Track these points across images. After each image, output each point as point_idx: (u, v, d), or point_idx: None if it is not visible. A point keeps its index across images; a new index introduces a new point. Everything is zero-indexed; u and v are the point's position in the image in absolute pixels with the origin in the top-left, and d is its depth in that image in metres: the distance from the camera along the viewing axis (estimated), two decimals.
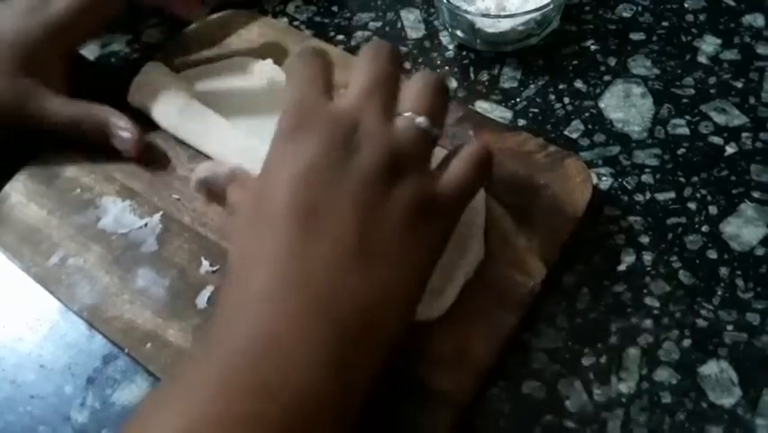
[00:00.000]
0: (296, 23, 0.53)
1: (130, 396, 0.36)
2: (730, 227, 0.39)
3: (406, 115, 0.31)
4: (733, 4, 0.50)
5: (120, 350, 0.36)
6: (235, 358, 0.26)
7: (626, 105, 0.45)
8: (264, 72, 0.46)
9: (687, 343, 0.35)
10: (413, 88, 0.32)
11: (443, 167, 0.32)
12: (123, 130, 0.42)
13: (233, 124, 0.43)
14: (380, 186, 0.29)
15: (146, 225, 0.40)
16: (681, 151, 0.42)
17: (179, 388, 0.27)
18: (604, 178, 0.41)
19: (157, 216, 0.41)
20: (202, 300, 0.37)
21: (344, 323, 0.27)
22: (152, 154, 0.43)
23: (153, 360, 0.35)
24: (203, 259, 0.39)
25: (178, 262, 0.39)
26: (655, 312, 0.36)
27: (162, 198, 0.41)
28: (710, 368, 0.34)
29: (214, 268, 0.38)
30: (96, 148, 0.43)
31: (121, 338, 0.36)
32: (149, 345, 0.36)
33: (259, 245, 0.29)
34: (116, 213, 0.41)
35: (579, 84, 0.46)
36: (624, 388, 0.34)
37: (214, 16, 0.51)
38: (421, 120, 0.31)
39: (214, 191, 0.35)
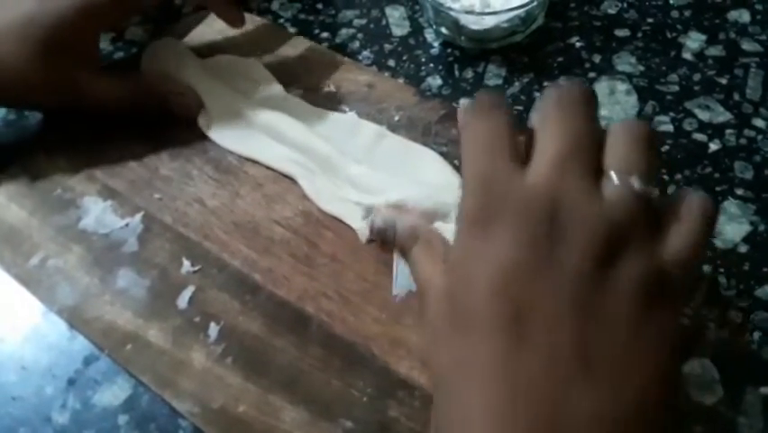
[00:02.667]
0: (280, 20, 0.52)
1: (111, 397, 0.35)
2: None
3: (616, 177, 0.25)
4: (718, 0, 0.50)
5: (101, 351, 0.36)
6: None
7: (610, 103, 0.45)
8: (248, 72, 0.46)
9: None
10: (618, 143, 0.26)
11: (664, 230, 0.26)
12: (183, 95, 0.44)
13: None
14: (597, 277, 0.24)
15: (127, 225, 0.40)
16: (665, 148, 0.42)
17: None
18: None
19: (138, 216, 0.40)
20: (183, 301, 0.37)
21: None
22: (133, 152, 0.43)
23: (134, 361, 0.35)
24: (184, 259, 0.38)
25: (159, 263, 0.38)
26: None
27: (144, 198, 0.41)
28: (693, 366, 0.34)
29: (196, 268, 0.38)
30: (77, 146, 0.42)
31: (101, 339, 0.36)
32: (129, 346, 0.36)
33: (468, 354, 0.25)
34: (97, 213, 0.41)
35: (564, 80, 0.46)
36: None
37: (200, 14, 0.51)
38: (634, 181, 0.25)
39: (383, 238, 0.32)
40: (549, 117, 0.27)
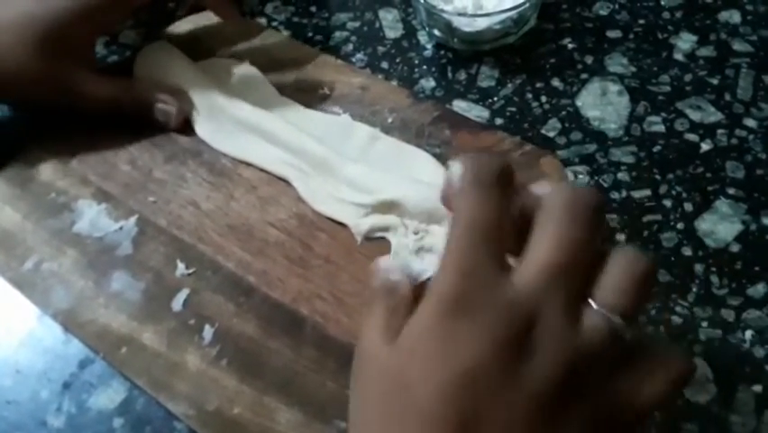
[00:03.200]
0: (274, 23, 0.53)
1: (106, 401, 0.35)
2: (705, 224, 0.39)
3: (599, 311, 0.24)
4: (709, 0, 0.50)
5: (96, 354, 0.36)
6: None
7: (602, 104, 0.45)
8: (241, 74, 0.46)
9: (662, 340, 0.35)
10: (615, 273, 0.25)
11: (628, 372, 0.24)
12: (167, 103, 0.44)
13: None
14: (555, 406, 0.23)
15: (121, 228, 0.40)
16: (656, 148, 0.42)
17: None
18: (580, 176, 0.41)
19: (132, 219, 0.40)
20: (177, 303, 0.37)
21: None
22: (127, 155, 0.43)
23: (129, 364, 0.35)
24: (178, 262, 0.38)
25: (154, 266, 0.38)
26: None
27: (138, 201, 0.41)
28: None
29: (190, 271, 0.38)
30: (72, 150, 0.43)
31: (96, 342, 0.36)
32: (124, 349, 0.36)
33: None
34: (92, 216, 0.41)
35: (556, 82, 0.46)
36: None
37: (193, 17, 0.51)
38: (616, 321, 0.24)
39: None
40: (554, 217, 0.25)
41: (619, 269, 0.25)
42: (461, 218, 0.25)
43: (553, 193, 0.25)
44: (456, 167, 0.26)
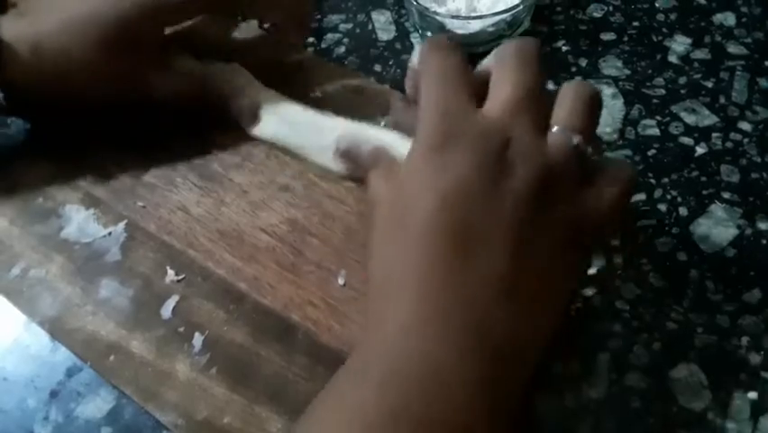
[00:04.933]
0: (265, 25, 0.52)
1: (94, 410, 0.35)
2: (700, 228, 0.38)
3: (560, 131, 0.29)
4: (704, 2, 0.50)
5: (84, 362, 0.36)
6: (394, 378, 0.26)
7: None
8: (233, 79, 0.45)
9: (657, 346, 0.35)
10: (566, 100, 0.30)
11: (590, 187, 0.30)
12: (242, 97, 0.42)
13: None
14: (535, 210, 0.28)
15: (110, 233, 0.40)
16: (651, 152, 0.42)
17: (338, 408, 0.27)
18: None
19: (121, 225, 0.40)
20: (167, 310, 0.36)
21: (497, 350, 0.27)
22: (116, 160, 0.43)
23: (117, 373, 0.35)
24: (168, 268, 0.38)
25: (143, 272, 0.38)
26: (625, 316, 0.36)
27: (127, 206, 0.41)
28: (680, 372, 0.34)
29: (180, 277, 0.38)
30: (59, 154, 0.42)
31: (83, 350, 0.36)
32: (112, 357, 0.35)
33: (406, 262, 0.28)
34: (80, 222, 0.40)
35: (550, 85, 0.46)
36: (594, 393, 0.33)
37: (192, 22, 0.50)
38: (576, 138, 0.29)
39: (352, 163, 0.34)
40: (508, 64, 0.30)
41: (570, 97, 0.30)
42: (431, 71, 0.31)
43: (502, 48, 0.31)
44: (415, 53, 0.33)
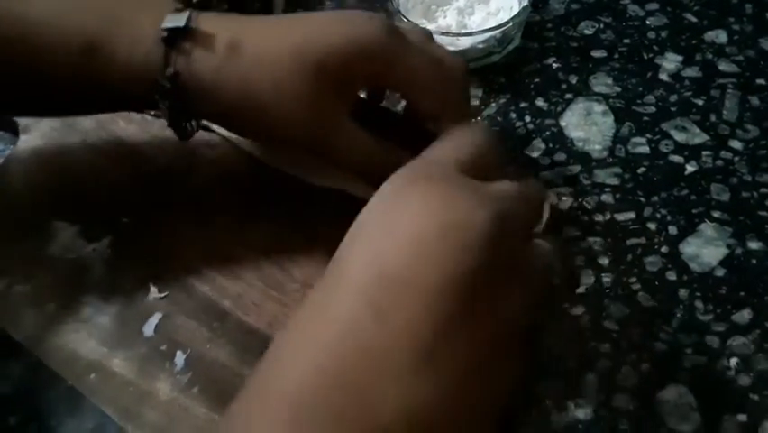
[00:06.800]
0: None
1: (75, 429, 0.34)
2: (690, 248, 0.38)
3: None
4: (695, 20, 0.50)
5: (64, 381, 0.35)
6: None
7: (587, 124, 0.44)
8: None
9: (645, 367, 0.34)
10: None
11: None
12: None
13: None
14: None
15: (94, 249, 0.39)
16: (641, 170, 0.42)
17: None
18: (564, 198, 0.41)
19: (106, 241, 0.40)
20: (149, 328, 0.36)
21: None
22: (104, 177, 0.42)
23: (98, 392, 0.34)
24: (151, 285, 0.38)
25: (126, 289, 0.37)
26: (614, 336, 0.35)
27: (112, 223, 0.40)
28: (669, 393, 0.33)
29: (163, 294, 0.37)
30: (46, 169, 0.42)
31: (64, 369, 0.35)
32: (93, 375, 0.35)
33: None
34: (64, 238, 0.40)
35: (540, 102, 0.46)
36: (581, 414, 0.33)
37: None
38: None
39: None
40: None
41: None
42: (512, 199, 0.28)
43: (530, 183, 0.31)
44: None
